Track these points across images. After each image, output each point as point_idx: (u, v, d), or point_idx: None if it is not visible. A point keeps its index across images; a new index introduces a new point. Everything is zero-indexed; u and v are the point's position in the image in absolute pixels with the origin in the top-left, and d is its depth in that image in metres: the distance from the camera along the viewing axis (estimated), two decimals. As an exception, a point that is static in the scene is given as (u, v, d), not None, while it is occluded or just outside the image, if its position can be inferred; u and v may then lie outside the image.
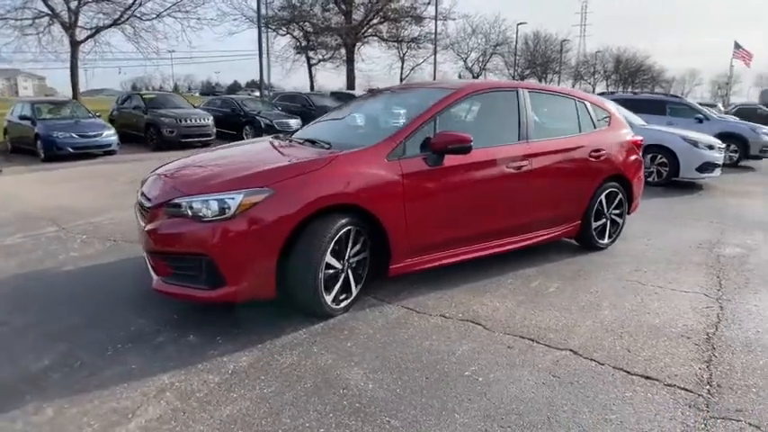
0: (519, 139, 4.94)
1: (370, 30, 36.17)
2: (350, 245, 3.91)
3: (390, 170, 4.02)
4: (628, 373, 3.41)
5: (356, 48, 36.20)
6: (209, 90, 76.90)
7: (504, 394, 3.11)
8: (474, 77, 57.76)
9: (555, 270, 5.38)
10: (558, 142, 5.30)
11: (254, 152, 4.81)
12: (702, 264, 5.82)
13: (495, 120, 5.13)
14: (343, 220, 3.79)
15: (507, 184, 4.82)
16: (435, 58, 40.04)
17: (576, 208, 5.59)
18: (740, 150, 14.87)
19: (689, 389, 3.24)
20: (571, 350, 3.66)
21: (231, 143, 5.70)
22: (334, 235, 3.70)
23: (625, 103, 12.37)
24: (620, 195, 6.02)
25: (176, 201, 3.73)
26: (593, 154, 5.56)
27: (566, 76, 69.78)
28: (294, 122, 18.86)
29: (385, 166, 4.02)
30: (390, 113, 5.38)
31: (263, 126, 18.53)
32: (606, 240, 6.10)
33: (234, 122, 19.62)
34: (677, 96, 17.33)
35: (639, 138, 6.36)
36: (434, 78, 36.02)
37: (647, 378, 3.34)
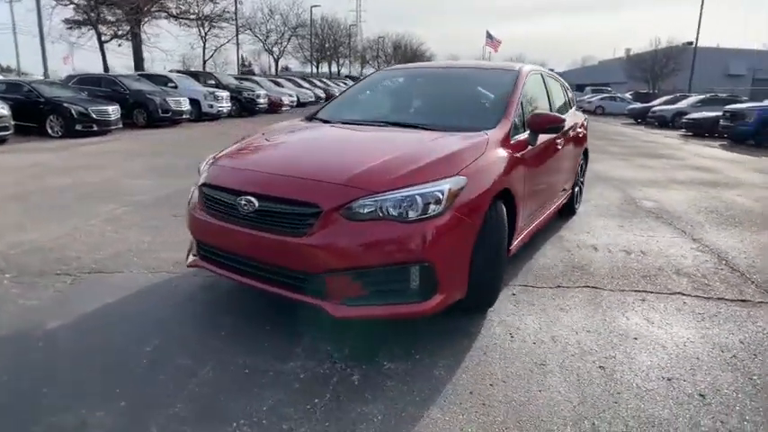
0: None
1: (155, 5, 32.60)
2: None
3: (515, 151, 3.90)
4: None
5: (141, 24, 32.41)
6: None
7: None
8: (276, 60, 56.51)
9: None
10: (568, 118, 5.53)
11: (361, 139, 3.92)
12: (647, 213, 7.00)
13: (539, 98, 5.16)
14: (499, 205, 3.46)
15: (559, 157, 5.14)
16: (238, 39, 38.14)
17: (573, 176, 6.20)
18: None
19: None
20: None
21: (266, 135, 4.14)
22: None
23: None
24: (585, 165, 6.98)
25: (362, 201, 2.85)
26: (578, 129, 6.27)
27: (353, 60, 72.24)
28: (113, 110, 16.20)
29: (512, 147, 3.87)
30: (446, 93, 4.81)
31: (74, 115, 15.52)
32: (578, 205, 6.89)
33: (32, 112, 16.00)
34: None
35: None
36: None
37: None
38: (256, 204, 2.97)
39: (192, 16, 36.27)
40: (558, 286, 4.28)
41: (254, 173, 3.23)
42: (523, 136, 4.10)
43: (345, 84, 43.44)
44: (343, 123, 4.24)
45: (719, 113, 19.69)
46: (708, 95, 26.89)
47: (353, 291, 2.85)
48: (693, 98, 27.54)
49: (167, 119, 18.86)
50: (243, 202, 3.02)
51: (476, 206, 3.12)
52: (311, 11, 54.88)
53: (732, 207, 7.62)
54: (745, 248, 5.54)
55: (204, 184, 3.36)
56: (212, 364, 2.91)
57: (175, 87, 21.33)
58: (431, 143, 3.46)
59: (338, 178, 2.99)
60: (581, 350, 3.22)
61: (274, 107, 26.18)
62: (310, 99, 32.42)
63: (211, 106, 21.46)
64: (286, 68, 64.96)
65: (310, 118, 4.63)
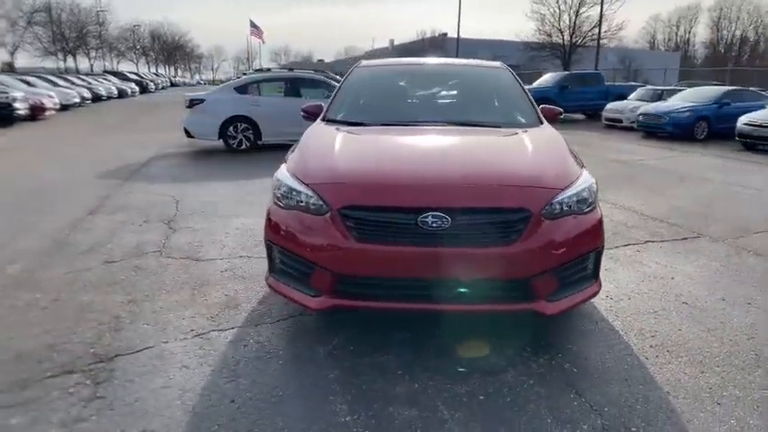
0: None
1: None
2: None
3: None
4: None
5: None
6: None
7: None
8: (11, 54, 47.55)
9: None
10: None
11: (458, 142, 3.63)
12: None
13: None
14: None
15: None
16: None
17: None
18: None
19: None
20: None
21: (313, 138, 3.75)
22: None
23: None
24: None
25: (557, 199, 2.88)
26: None
27: (107, 52, 64.51)
28: None
29: None
30: (466, 91, 4.75)
31: None
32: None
33: None
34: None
35: None
36: None
37: None
38: (449, 219, 2.68)
39: None
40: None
41: (426, 185, 2.85)
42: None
43: (108, 80, 38.76)
44: (386, 125, 3.89)
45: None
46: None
47: (552, 287, 2.85)
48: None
49: None
50: (430, 220, 2.67)
51: None
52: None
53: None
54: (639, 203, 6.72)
55: (349, 207, 2.78)
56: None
57: None
58: (531, 142, 3.46)
59: (532, 180, 2.93)
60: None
61: (36, 113, 19.14)
62: (75, 101, 27.50)
63: None
64: (9, 66, 52.84)
65: (329, 121, 4.12)
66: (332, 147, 3.35)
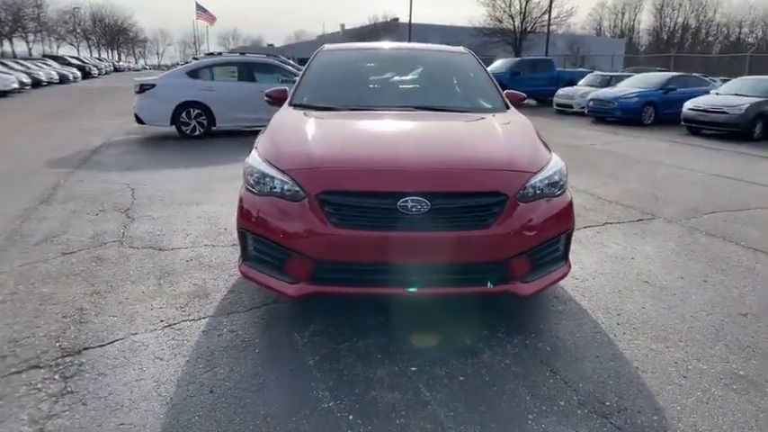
0: None
1: None
2: None
3: None
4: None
5: None
6: None
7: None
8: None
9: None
10: None
11: (429, 127, 3.64)
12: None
13: None
14: None
15: None
16: None
17: None
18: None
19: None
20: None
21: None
22: None
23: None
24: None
25: (531, 183, 2.93)
26: None
27: (46, 36, 61.40)
28: None
29: None
30: (430, 75, 4.70)
31: None
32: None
33: None
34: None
35: None
36: None
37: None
38: (428, 204, 2.67)
39: None
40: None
41: (405, 169, 2.84)
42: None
43: (48, 65, 36.91)
44: (356, 110, 3.87)
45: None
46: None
47: (525, 268, 2.90)
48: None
49: None
50: (409, 204, 2.67)
51: None
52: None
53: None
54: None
55: (327, 193, 2.74)
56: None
57: None
58: (500, 126, 3.52)
59: (507, 164, 2.96)
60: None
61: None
62: (14, 86, 26.14)
63: None
64: None
65: (296, 106, 4.03)
66: (305, 132, 3.30)
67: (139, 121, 10.71)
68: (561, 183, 3.08)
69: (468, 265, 2.83)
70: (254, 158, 3.14)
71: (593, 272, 4.05)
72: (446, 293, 2.93)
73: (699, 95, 13.77)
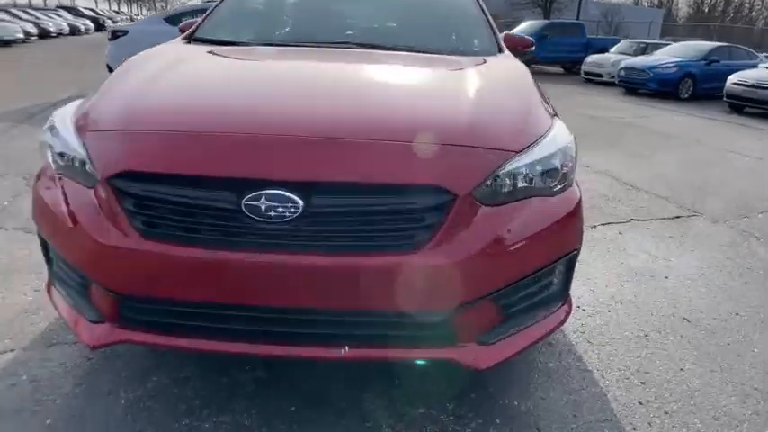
0: None
1: None
2: None
3: None
4: None
5: None
6: None
7: None
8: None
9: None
10: None
11: (362, 72, 2.32)
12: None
13: None
14: None
15: None
16: None
17: None
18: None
19: None
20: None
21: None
22: None
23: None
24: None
25: (506, 170, 1.66)
26: None
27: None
28: None
29: None
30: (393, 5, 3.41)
31: None
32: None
33: None
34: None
35: None
36: None
37: None
38: (300, 204, 1.49)
39: None
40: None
41: (263, 138, 1.61)
42: None
43: (60, 16, 35.80)
44: (273, 46, 2.67)
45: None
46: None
47: (489, 320, 1.70)
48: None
49: None
50: (264, 205, 1.48)
51: None
52: None
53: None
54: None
55: (124, 176, 1.56)
56: None
57: None
58: (476, 76, 2.22)
59: (464, 136, 1.69)
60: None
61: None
62: (18, 36, 25.04)
63: None
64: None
65: (191, 39, 2.84)
66: (153, 74, 2.08)
67: (111, 70, 9.55)
68: (564, 171, 1.82)
69: (375, 314, 1.62)
70: (61, 116, 1.93)
71: (609, 298, 2.82)
72: (336, 359, 1.68)
73: (745, 69, 12.13)
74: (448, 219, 1.54)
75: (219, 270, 1.53)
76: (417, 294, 1.55)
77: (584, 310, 2.66)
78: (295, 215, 1.48)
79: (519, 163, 1.69)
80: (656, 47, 16.29)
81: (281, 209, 1.48)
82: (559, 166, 1.79)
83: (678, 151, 6.90)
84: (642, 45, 17.22)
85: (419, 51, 2.65)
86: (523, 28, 19.74)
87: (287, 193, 1.48)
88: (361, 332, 1.64)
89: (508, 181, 1.66)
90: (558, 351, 2.31)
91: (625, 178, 5.28)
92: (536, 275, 1.74)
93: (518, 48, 3.13)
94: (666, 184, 5.14)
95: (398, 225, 1.53)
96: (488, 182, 1.61)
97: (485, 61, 2.53)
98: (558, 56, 18.69)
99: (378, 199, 1.53)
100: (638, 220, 4.09)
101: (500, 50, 2.87)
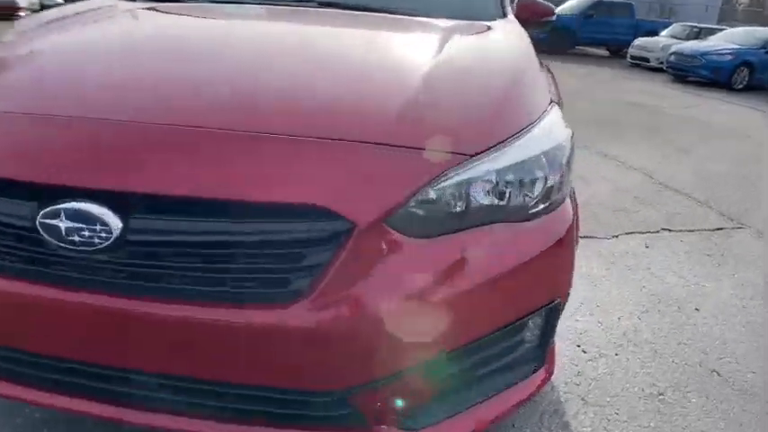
0: None
1: None
2: None
3: None
4: None
5: None
6: None
7: None
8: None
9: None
10: None
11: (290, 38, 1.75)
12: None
13: None
14: None
15: None
16: None
17: None
18: None
19: None
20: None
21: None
22: None
23: None
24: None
25: (453, 181, 1.10)
26: None
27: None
28: None
29: None
30: None
31: None
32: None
33: None
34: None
35: None
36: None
37: None
38: (118, 226, 0.98)
39: None
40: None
41: (90, 124, 1.10)
42: None
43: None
44: (221, 2, 2.11)
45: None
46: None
47: (417, 397, 1.17)
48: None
49: None
50: (63, 225, 0.98)
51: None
52: None
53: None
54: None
55: None
56: None
57: None
58: (448, 45, 1.58)
59: (379, 131, 1.12)
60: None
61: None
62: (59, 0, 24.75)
63: None
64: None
65: None
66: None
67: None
68: (550, 184, 1.25)
69: (240, 387, 1.11)
70: None
71: (620, 336, 2.25)
72: None
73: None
74: (340, 257, 1.00)
75: (26, 308, 1.05)
76: (289, 366, 1.03)
77: (584, 352, 2.10)
78: (107, 241, 0.97)
79: (476, 171, 1.13)
80: (711, 32, 15.10)
81: (86, 232, 0.97)
82: (543, 177, 1.23)
83: (726, 147, 6.13)
84: (696, 29, 16.01)
85: (395, 13, 2.07)
86: (567, 6, 18.61)
87: (95, 210, 0.96)
88: (220, 404, 1.13)
89: (453, 199, 1.10)
90: (541, 412, 1.76)
91: (661, 176, 4.61)
92: (493, 336, 1.19)
93: (532, 15, 2.53)
94: (709, 187, 4.46)
95: (264, 264, 1.00)
96: (418, 201, 1.06)
97: (472, 28, 1.94)
98: (603, 37, 17.53)
99: (236, 225, 1.00)
100: (670, 231, 3.46)
101: (503, 15, 2.27)
